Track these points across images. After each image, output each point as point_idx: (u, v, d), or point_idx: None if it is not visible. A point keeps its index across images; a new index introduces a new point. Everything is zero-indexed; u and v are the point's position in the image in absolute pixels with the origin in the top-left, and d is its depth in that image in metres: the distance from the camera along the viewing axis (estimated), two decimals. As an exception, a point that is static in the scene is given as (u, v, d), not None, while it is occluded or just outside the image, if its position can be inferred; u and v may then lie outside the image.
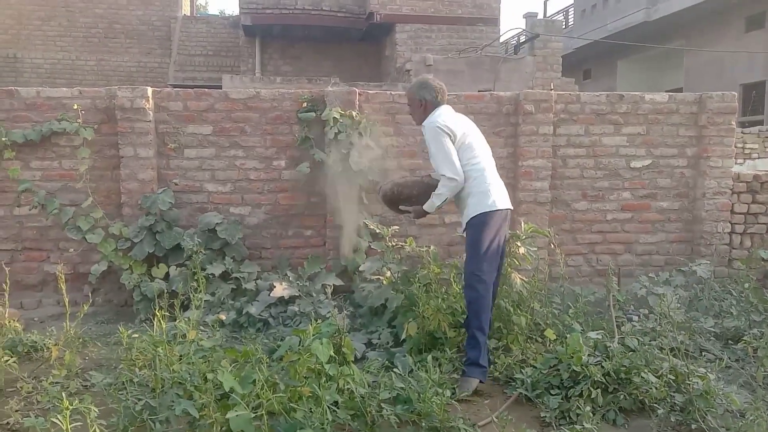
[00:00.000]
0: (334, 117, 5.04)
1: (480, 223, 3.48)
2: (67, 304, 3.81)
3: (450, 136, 3.51)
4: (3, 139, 4.92)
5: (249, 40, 13.63)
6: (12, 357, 3.55)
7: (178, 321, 3.46)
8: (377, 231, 4.61)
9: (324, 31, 13.29)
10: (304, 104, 5.18)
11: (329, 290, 4.60)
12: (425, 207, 3.64)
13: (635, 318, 4.38)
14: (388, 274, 4.38)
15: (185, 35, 14.85)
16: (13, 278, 4.67)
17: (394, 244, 4.51)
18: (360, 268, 4.88)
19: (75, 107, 4.95)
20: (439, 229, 5.35)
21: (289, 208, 5.27)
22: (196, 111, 5.12)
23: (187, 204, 5.13)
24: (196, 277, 3.75)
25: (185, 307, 4.03)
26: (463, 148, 3.55)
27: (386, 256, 4.54)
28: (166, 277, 4.80)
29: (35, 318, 4.89)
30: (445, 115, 3.60)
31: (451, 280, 4.07)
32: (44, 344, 3.91)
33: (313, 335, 2.85)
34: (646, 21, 18.23)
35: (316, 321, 4.18)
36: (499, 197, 3.54)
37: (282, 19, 12.69)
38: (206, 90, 5.20)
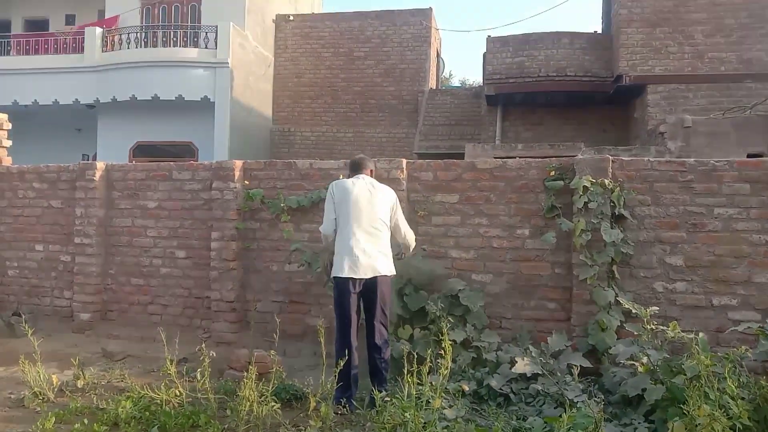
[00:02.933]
0: (584, 185, 4.84)
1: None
2: (324, 356, 4.12)
3: (332, 198, 4.42)
4: (282, 204, 5.65)
5: (490, 109, 14.01)
6: (277, 403, 3.92)
7: (424, 386, 3.50)
8: (632, 311, 4.22)
9: (567, 97, 13.10)
10: (552, 172, 5.07)
11: (576, 371, 4.29)
12: None
13: None
14: (646, 360, 3.95)
15: (431, 107, 15.83)
16: (280, 327, 5.23)
17: (653, 327, 4.07)
18: (611, 350, 4.49)
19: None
20: (706, 311, 4.73)
21: (532, 279, 5.12)
22: (445, 180, 5.32)
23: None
24: (437, 341, 3.80)
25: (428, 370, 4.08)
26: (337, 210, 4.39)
27: (643, 339, 4.11)
28: (411, 338, 4.94)
29: (295, 366, 5.37)
30: (339, 181, 4.57)
31: (726, 375, 3.51)
32: (303, 393, 4.26)
33: (568, 426, 2.64)
34: None
35: (561, 404, 3.95)
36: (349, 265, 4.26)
37: (525, 87, 12.84)
38: (455, 161, 5.40)
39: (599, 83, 12.78)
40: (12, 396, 4.34)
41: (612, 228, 4.83)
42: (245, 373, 3.93)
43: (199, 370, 3.99)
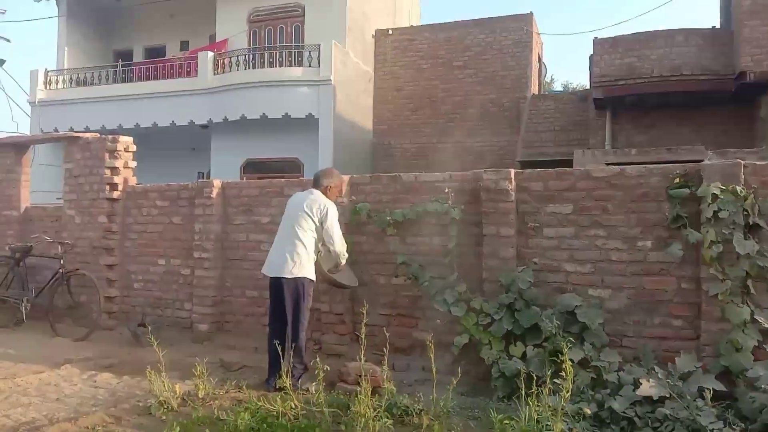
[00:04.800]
0: (713, 193, 4.47)
1: None
2: (434, 371, 4.04)
3: None
4: (388, 218, 5.66)
5: (599, 113, 13.43)
6: (389, 419, 3.88)
7: (542, 408, 3.34)
8: (774, 329, 3.83)
9: (683, 97, 12.30)
10: (676, 180, 4.72)
11: (708, 395, 3.95)
12: None
13: None
14: (792, 385, 3.56)
15: (533, 113, 15.42)
16: (388, 341, 5.21)
17: (800, 348, 3.67)
18: (747, 373, 4.09)
19: (446, 190, 5.42)
20: None
21: (656, 294, 4.78)
22: (557, 190, 5.11)
23: (544, 283, 5.08)
24: (552, 360, 3.62)
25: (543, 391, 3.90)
26: None
27: (788, 362, 3.71)
28: (523, 356, 4.76)
29: (404, 381, 5.32)
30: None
31: None
32: (414, 410, 4.20)
33: (712, 458, 2.40)
34: None
35: (693, 431, 3.64)
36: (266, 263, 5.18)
37: (636, 88, 12.20)
38: (567, 170, 5.18)
39: (719, 81, 11.90)
40: (140, 404, 4.59)
41: (746, 239, 4.43)
42: (357, 387, 3.93)
43: (313, 383, 4.04)
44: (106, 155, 7.37)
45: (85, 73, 18.15)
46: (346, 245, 5.20)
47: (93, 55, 19.68)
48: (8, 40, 19.52)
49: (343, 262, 5.27)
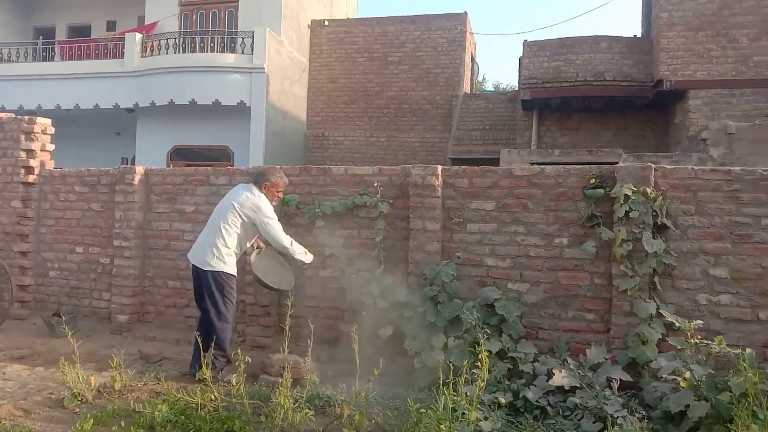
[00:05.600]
0: (626, 194, 4.72)
1: None
2: (357, 363, 4.09)
3: None
4: (317, 210, 5.66)
5: (526, 114, 13.86)
6: (311, 410, 3.90)
7: (459, 397, 3.45)
8: (675, 324, 4.10)
9: (605, 102, 12.89)
10: (592, 180, 4.96)
11: (615, 385, 4.18)
12: None
13: None
14: (689, 375, 3.82)
15: (465, 111, 15.74)
16: (314, 333, 5.22)
17: (697, 341, 3.94)
18: (651, 364, 4.36)
19: (375, 184, 5.48)
20: (752, 326, 4.56)
21: (570, 289, 5.01)
22: (481, 187, 5.26)
23: (467, 277, 5.22)
24: (472, 351, 3.74)
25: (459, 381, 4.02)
26: None
27: (686, 354, 3.98)
28: (445, 347, 4.88)
29: (329, 372, 5.35)
30: None
31: (776, 393, 3.37)
32: (336, 400, 4.24)
33: (610, 442, 2.56)
34: None
35: (600, 419, 3.85)
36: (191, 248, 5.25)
37: (561, 92, 12.67)
38: (491, 168, 5.33)
39: (638, 88, 12.54)
40: (52, 396, 4.42)
41: (654, 238, 4.70)
42: (280, 379, 3.93)
43: (234, 375, 4.01)
44: (22, 137, 6.99)
45: (2, 49, 17.10)
46: (291, 240, 5.15)
47: (11, 30, 18.57)
48: None
49: (302, 259, 5.23)
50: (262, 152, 14.30)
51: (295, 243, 5.18)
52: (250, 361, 4.09)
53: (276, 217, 5.11)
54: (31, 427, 3.75)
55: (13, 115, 7.25)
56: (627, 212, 4.71)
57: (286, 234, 5.16)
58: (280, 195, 5.32)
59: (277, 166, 5.50)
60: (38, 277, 7.07)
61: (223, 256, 4.98)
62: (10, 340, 6.08)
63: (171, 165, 14.68)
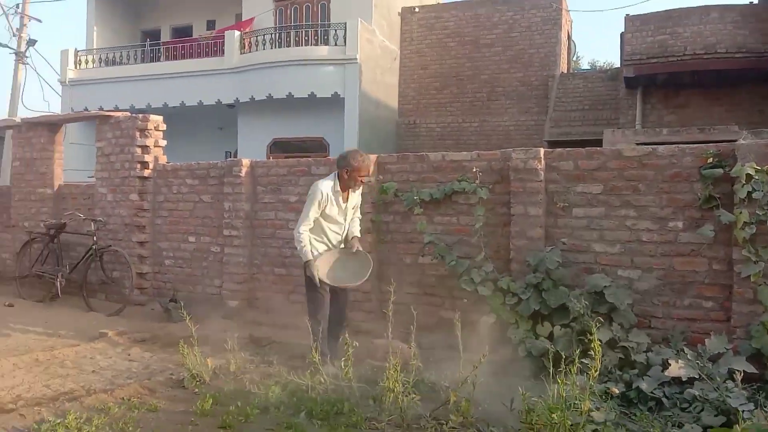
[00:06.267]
0: (748, 173, 4.39)
1: None
2: (461, 349, 4.08)
3: None
4: (415, 197, 5.67)
5: (629, 92, 13.17)
6: (417, 395, 3.93)
7: (570, 387, 3.35)
8: (810, 312, 3.77)
9: (716, 76, 12.01)
10: (710, 159, 4.64)
11: (738, 377, 3.91)
12: None
13: None
14: (827, 368, 3.51)
15: (562, 92, 15.19)
16: (415, 319, 5.26)
17: (836, 331, 3.61)
18: (781, 355, 4.05)
19: (474, 169, 5.41)
20: None
21: (686, 275, 4.73)
22: (587, 170, 5.06)
23: (573, 263, 5.06)
24: (580, 340, 3.62)
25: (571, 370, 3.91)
26: None
27: (823, 345, 3.66)
28: (550, 336, 4.77)
29: (430, 358, 5.36)
30: None
31: None
32: (441, 386, 4.24)
33: (743, 438, 2.40)
34: None
35: (722, 412, 3.62)
36: None
37: (668, 67, 11.94)
38: (598, 149, 5.12)
39: (755, 59, 11.59)
40: (173, 377, 4.71)
41: (782, 220, 4.35)
42: (385, 363, 3.99)
43: (342, 358, 4.11)
44: (137, 134, 7.48)
45: (114, 52, 18.34)
46: (304, 232, 4.85)
47: (122, 34, 19.86)
48: (39, 21, 19.88)
49: (304, 254, 4.86)
50: (356, 142, 14.49)
51: (303, 236, 4.84)
52: (357, 345, 4.17)
53: (315, 205, 4.81)
54: (156, 405, 4.02)
55: (129, 114, 7.76)
56: (749, 193, 4.38)
57: (304, 226, 4.85)
58: (363, 180, 4.95)
59: (359, 150, 5.16)
60: (155, 266, 7.56)
61: (312, 243, 4.94)
62: (132, 324, 6.55)
63: (270, 157, 15.20)
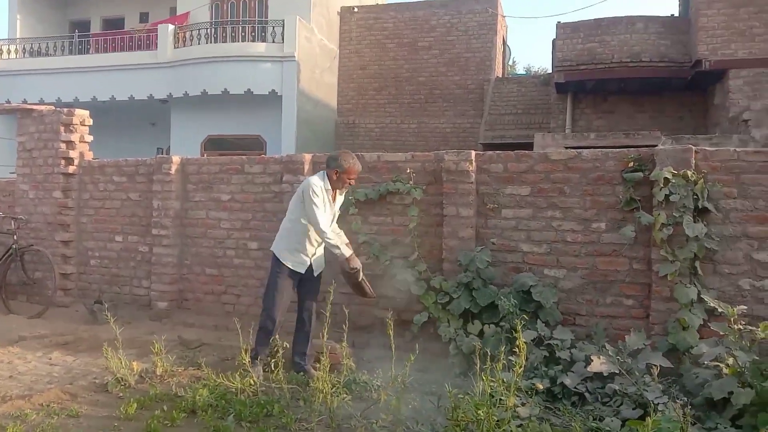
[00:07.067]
0: (665, 177, 4.61)
1: None
2: (393, 348, 4.11)
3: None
4: (350, 197, 5.67)
5: (560, 97, 13.63)
6: (348, 395, 3.94)
7: (497, 383, 3.44)
8: (717, 309, 4.00)
9: (641, 83, 12.60)
10: (631, 164, 4.86)
11: (655, 371, 4.11)
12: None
13: None
14: (732, 362, 3.74)
15: (497, 96, 15.55)
16: (349, 319, 5.26)
17: (740, 327, 3.85)
18: (692, 350, 4.28)
19: (408, 170, 5.46)
20: (797, 311, 4.43)
21: (608, 274, 4.94)
22: (516, 172, 5.20)
23: (502, 263, 5.19)
24: (509, 338, 3.71)
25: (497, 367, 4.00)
26: None
27: (729, 340, 3.89)
28: (480, 333, 4.87)
29: (364, 358, 5.39)
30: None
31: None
32: (373, 385, 4.27)
33: (652, 429, 2.52)
34: None
35: (640, 405, 3.80)
36: None
37: (596, 74, 12.42)
38: (526, 152, 5.26)
39: (676, 69, 12.22)
40: (96, 381, 4.54)
41: (695, 222, 4.59)
42: (317, 365, 3.97)
43: (272, 360, 4.07)
44: (62, 128, 7.16)
45: (39, 43, 17.50)
46: (330, 230, 4.69)
47: (48, 24, 18.96)
48: (-45, 6, 18.68)
49: (332, 250, 4.71)
50: (294, 140, 14.38)
51: (331, 237, 4.68)
52: (287, 346, 4.14)
53: (321, 198, 4.63)
54: (78, 410, 3.86)
55: (53, 108, 7.42)
56: (667, 196, 4.60)
57: (326, 225, 4.65)
58: (352, 182, 4.85)
59: (349, 152, 4.97)
60: (80, 266, 7.26)
61: (281, 237, 4.85)
62: (55, 326, 6.27)
63: (205, 155, 14.87)
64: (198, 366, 4.78)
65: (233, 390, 4.07)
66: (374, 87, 16.99)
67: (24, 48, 17.45)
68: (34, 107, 7.58)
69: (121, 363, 4.46)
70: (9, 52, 17.31)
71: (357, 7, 17.56)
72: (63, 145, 7.18)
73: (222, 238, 6.42)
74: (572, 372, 4.35)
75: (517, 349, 3.60)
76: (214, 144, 15.59)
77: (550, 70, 16.00)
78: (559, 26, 13.16)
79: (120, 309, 6.53)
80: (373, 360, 5.27)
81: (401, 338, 5.41)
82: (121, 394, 4.20)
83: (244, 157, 6.56)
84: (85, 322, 6.46)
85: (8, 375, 4.68)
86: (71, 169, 7.21)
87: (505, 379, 3.57)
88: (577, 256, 5.03)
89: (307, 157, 6.00)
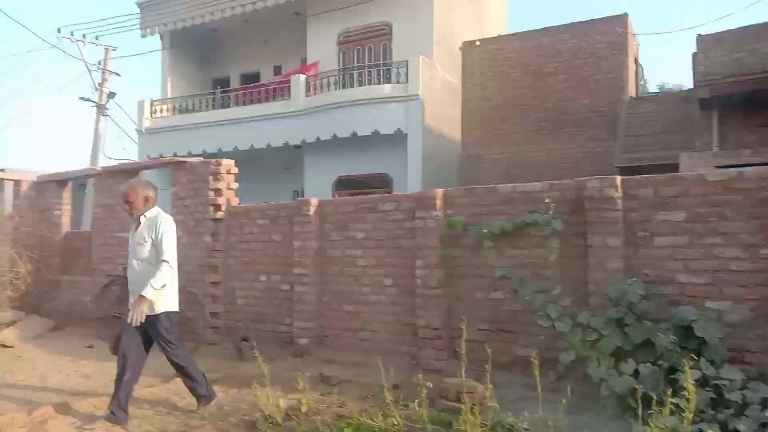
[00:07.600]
0: None
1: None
2: (539, 389, 3.87)
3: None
4: (484, 231, 5.54)
5: (704, 113, 12.60)
6: (497, 438, 3.75)
7: (661, 428, 3.11)
8: None
9: (800, 92, 11.32)
10: (804, 181, 4.32)
11: None
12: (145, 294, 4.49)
13: None
14: None
15: (632, 116, 14.72)
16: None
17: None
18: None
19: (546, 200, 5.24)
20: None
21: (784, 306, 4.37)
22: (668, 197, 4.81)
23: (656, 296, 4.77)
24: (669, 378, 3.36)
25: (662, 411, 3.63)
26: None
27: None
28: (635, 373, 4.48)
29: (505, 398, 5.14)
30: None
31: None
32: (519, 428, 4.04)
33: None
34: None
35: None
36: None
37: (747, 85, 11.35)
38: (679, 175, 4.88)
39: (843, 72, 10.86)
40: (246, 418, 4.71)
41: None
42: (458, 404, 3.84)
43: (416, 400, 3.99)
44: (210, 178, 7.73)
45: (187, 101, 19.23)
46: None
47: (194, 83, 20.83)
48: (118, 75, 21.19)
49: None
50: (419, 176, 14.47)
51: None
52: (430, 385, 4.05)
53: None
54: (231, 448, 4.00)
55: (202, 159, 8.04)
56: None
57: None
58: (126, 208, 4.93)
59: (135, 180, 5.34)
60: (227, 305, 7.69)
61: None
62: (205, 363, 6.58)
63: (335, 195, 15.38)
64: (341, 404, 4.81)
65: (376, 429, 4.02)
66: (499, 117, 16.78)
67: (174, 106, 19.26)
68: (186, 159, 8.26)
69: (269, 400, 4.58)
70: (162, 111, 19.19)
71: (479, 40, 17.56)
72: (212, 193, 7.73)
73: (358, 275, 6.53)
74: (746, 416, 3.87)
75: (681, 391, 3.26)
76: (343, 184, 16.10)
77: (686, 86, 14.94)
78: (700, 39, 12.25)
79: (263, 346, 6.77)
80: (516, 401, 5.03)
81: (545, 378, 5.12)
82: (269, 432, 4.31)
83: (376, 195, 6.68)
84: (231, 358, 6.78)
85: (167, 411, 4.99)
86: (219, 214, 7.73)
87: (666, 424, 3.24)
88: (744, 287, 4.51)
89: (439, 192, 5.97)
